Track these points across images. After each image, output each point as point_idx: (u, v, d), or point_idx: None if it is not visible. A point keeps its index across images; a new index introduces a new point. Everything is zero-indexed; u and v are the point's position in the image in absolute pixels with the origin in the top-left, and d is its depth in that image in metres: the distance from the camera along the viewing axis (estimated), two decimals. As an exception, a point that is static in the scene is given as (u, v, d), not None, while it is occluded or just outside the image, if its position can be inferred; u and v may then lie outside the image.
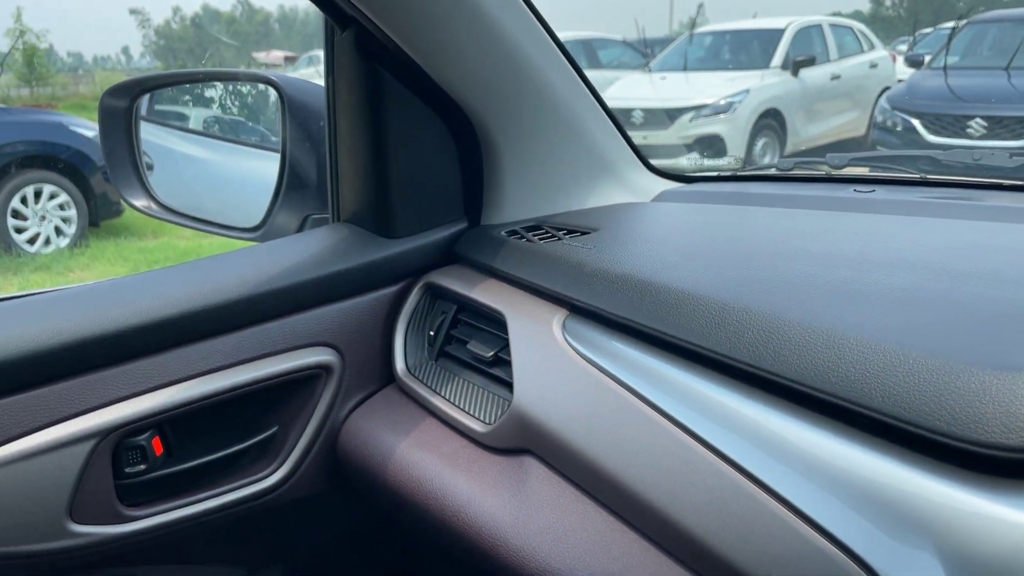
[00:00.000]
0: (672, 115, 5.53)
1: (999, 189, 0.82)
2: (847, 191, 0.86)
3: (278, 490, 0.71)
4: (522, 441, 0.59)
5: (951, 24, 6.07)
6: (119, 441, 0.64)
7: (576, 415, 0.55)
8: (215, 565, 0.80)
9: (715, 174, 1.08)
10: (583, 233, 0.73)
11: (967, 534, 0.34)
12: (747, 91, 5.52)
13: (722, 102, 5.48)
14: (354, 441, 0.72)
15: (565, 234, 0.73)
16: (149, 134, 1.00)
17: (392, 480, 0.66)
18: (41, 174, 4.11)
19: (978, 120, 4.23)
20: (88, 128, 4.21)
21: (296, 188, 0.85)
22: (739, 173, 0.96)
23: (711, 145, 5.49)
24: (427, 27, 0.66)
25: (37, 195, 4.08)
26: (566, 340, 0.60)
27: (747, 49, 6.32)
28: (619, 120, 0.86)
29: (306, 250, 0.76)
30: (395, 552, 0.90)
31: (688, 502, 0.45)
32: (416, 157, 0.76)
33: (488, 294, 0.70)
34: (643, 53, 7.55)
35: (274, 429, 0.72)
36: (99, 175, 4.09)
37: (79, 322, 0.62)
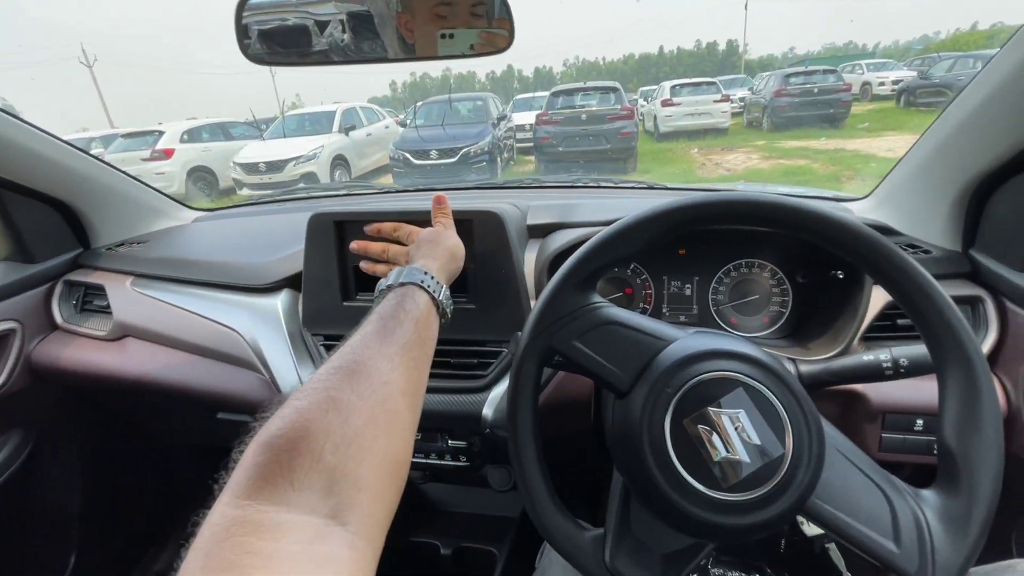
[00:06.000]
0: (283, 164, 8.40)
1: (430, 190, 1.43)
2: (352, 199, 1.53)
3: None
4: (126, 332, 1.18)
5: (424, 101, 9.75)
6: None
7: (147, 320, 1.14)
8: None
9: (230, 205, 1.65)
10: (143, 243, 1.31)
11: None
12: (323, 146, 8.72)
13: (310, 153, 8.52)
14: (46, 357, 1.22)
15: (135, 244, 1.31)
16: None
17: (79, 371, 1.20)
18: None
19: (434, 151, 8.09)
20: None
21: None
22: (246, 203, 1.63)
23: (310, 179, 8.38)
24: (18, 170, 1.13)
25: None
26: (133, 289, 1.18)
27: (319, 122, 9.62)
28: (150, 185, 1.41)
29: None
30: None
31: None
32: (44, 222, 1.26)
33: (95, 277, 1.25)
34: (259, 128, 10.28)
35: None
36: None
37: None
